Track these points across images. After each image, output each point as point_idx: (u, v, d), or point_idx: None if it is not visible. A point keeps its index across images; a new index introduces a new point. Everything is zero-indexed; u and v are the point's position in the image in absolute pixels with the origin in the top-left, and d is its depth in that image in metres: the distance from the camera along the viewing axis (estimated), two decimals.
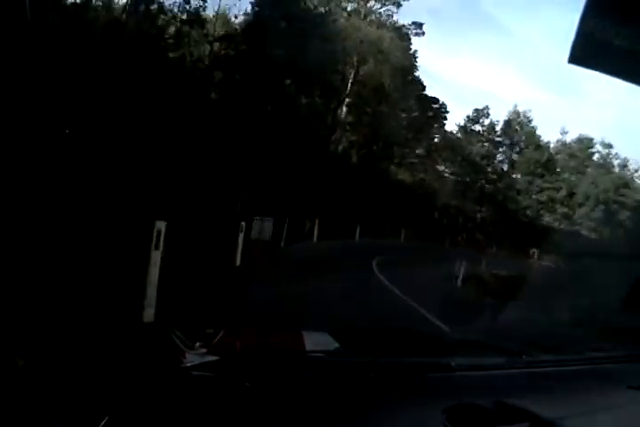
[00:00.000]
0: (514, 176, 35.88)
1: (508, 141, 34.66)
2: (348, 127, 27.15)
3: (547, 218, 33.98)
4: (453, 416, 0.96)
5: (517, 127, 33.91)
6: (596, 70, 1.29)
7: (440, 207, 32.25)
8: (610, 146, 33.62)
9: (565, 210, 33.25)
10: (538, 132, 34.74)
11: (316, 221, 19.01)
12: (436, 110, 30.34)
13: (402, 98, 26.43)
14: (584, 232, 33.47)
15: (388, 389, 1.12)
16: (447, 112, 30.87)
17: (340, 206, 20.74)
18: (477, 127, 33.93)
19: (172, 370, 1.06)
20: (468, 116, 33.43)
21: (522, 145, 34.08)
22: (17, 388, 0.88)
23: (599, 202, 31.54)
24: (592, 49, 1.21)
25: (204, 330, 1.52)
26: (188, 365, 1.06)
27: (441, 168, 34.87)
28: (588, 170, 33.28)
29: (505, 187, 34.78)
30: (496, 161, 35.70)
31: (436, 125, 31.98)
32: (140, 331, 1.28)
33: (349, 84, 25.35)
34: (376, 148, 27.79)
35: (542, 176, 33.83)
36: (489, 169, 34.84)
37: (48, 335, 1.11)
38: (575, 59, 1.22)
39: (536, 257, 28.38)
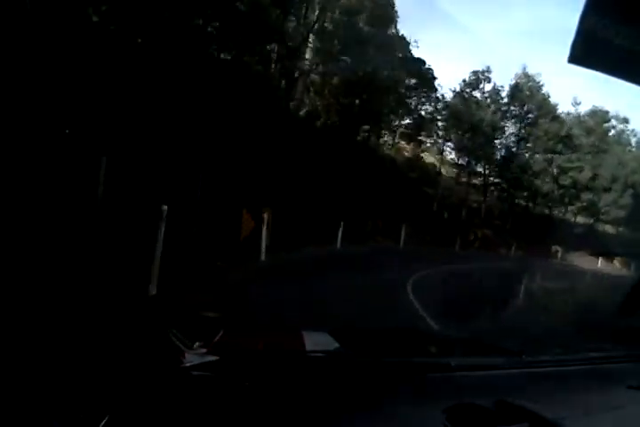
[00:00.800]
0: (526, 154, 27.96)
1: (517, 110, 27.30)
2: (312, 81, 19.03)
3: (570, 207, 28.15)
4: (453, 416, 0.96)
5: (527, 93, 26.75)
6: (596, 70, 1.29)
7: (439, 197, 25.25)
8: (626, 120, 28.63)
9: (590, 196, 27.11)
10: (552, 100, 27.60)
11: (266, 217, 9.21)
12: (422, 74, 23.55)
13: (384, 45, 18.32)
14: (613, 224, 28.17)
15: (388, 389, 1.12)
16: (435, 78, 24.42)
17: (311, 193, 13.23)
18: (477, 94, 26.84)
19: (172, 370, 1.06)
20: (464, 81, 26.48)
21: (534, 115, 26.95)
22: (17, 388, 0.88)
23: (627, 186, 26.05)
24: (592, 49, 1.21)
25: (203, 330, 1.52)
26: (188, 365, 1.06)
27: (437, 144, 27.54)
28: (607, 147, 27.70)
29: (517, 168, 27.43)
30: (505, 135, 27.82)
31: (425, 90, 24.87)
32: (139, 331, 1.28)
33: (316, 13, 17.36)
34: (352, 113, 19.68)
35: (561, 154, 27.10)
36: (497, 145, 27.29)
37: (48, 335, 1.11)
38: (575, 58, 1.22)
39: (559, 256, 24.31)
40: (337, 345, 1.55)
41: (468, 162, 27.70)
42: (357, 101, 19.90)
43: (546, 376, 1.35)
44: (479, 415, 0.97)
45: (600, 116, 28.32)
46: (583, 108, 29.03)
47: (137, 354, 1.09)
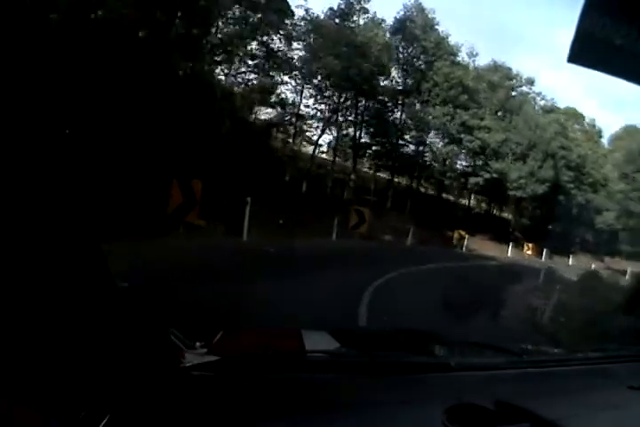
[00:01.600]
0: (418, 105, 20.96)
1: (405, 51, 20.74)
2: None
3: (474, 179, 22.07)
4: (453, 416, 0.96)
5: (419, 29, 20.19)
6: (596, 69, 1.29)
7: (294, 160, 17.95)
8: (531, 82, 24.17)
9: (500, 165, 21.17)
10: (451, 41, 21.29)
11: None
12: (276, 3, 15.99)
13: None
14: (527, 202, 23.40)
15: (388, 389, 1.12)
16: (293, 13, 17.18)
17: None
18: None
19: (172, 370, 1.06)
20: (330, 9, 18.94)
21: (428, 57, 20.54)
22: (16, 387, 0.88)
23: (547, 155, 21.27)
24: (591, 48, 1.21)
25: (203, 330, 1.52)
26: (188, 365, 1.06)
27: (294, 82, 18.75)
28: (516, 107, 22.69)
29: (404, 123, 20.91)
30: (388, 80, 20.47)
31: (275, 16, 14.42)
32: (139, 331, 1.28)
33: None
34: (169, 30, 11.25)
35: (466, 109, 20.49)
36: (377, 88, 19.47)
37: (47, 335, 1.11)
38: (574, 58, 1.22)
39: (465, 244, 18.89)
40: (337, 345, 1.55)
41: (334, 112, 19.44)
42: (179, 14, 12.26)
43: (546, 376, 1.35)
44: (479, 415, 0.97)
45: (503, 73, 23.20)
46: (481, 63, 23.51)
47: (137, 354, 1.09)
